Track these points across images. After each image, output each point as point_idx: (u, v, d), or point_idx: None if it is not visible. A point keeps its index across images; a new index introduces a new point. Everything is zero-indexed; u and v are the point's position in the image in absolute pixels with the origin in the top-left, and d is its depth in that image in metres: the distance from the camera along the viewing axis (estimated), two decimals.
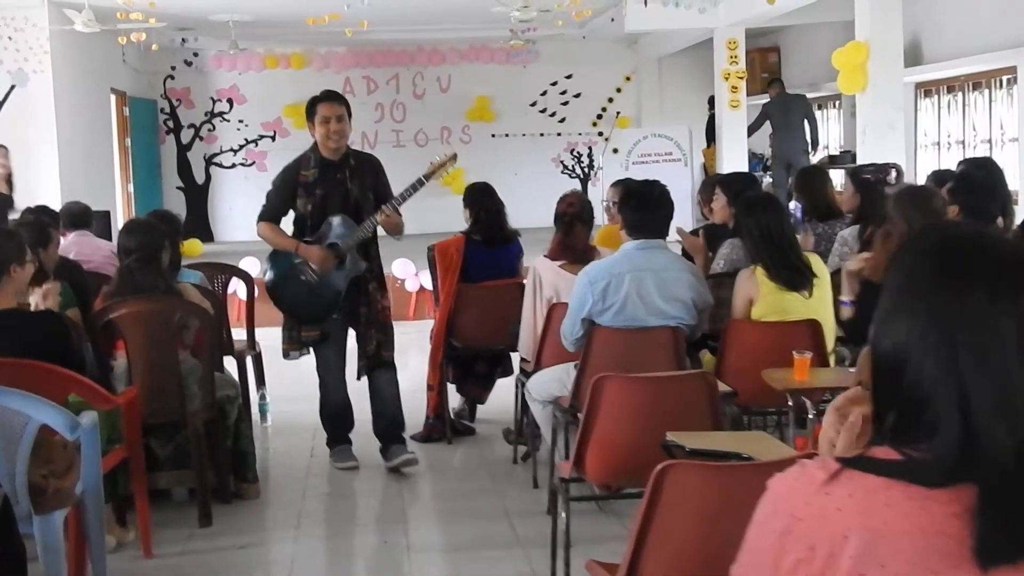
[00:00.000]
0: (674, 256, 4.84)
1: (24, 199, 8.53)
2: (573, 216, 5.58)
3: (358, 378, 5.82)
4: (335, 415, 5.87)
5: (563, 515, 3.95)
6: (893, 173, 5.05)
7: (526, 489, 5.48)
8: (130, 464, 4.58)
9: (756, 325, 4.73)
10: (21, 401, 3.52)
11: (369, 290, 5.66)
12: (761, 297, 4.70)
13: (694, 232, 6.07)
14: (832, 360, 4.74)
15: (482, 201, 6.42)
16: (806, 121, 13.25)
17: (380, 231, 5.68)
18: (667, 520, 2.59)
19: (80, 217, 6.88)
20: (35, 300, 4.40)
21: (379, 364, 5.71)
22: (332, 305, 5.58)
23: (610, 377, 3.71)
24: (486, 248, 6.37)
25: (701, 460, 2.99)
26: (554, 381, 5.02)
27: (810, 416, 4.09)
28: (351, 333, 5.80)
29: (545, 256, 5.56)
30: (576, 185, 16.51)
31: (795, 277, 4.71)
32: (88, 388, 4.10)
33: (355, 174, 5.58)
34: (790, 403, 4.26)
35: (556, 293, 5.33)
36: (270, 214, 5.70)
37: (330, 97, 5.66)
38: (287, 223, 5.81)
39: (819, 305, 4.72)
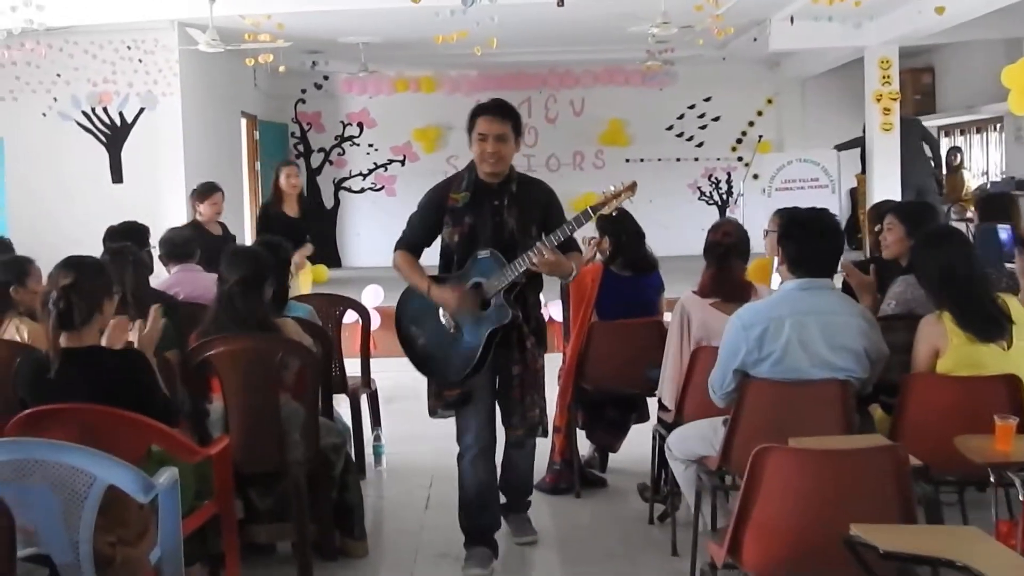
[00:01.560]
0: (842, 298, 4.15)
1: (151, 223, 7.89)
2: (728, 247, 4.92)
3: (506, 449, 4.89)
4: (474, 504, 4.76)
5: None
6: None
7: (664, 556, 4.89)
8: (221, 521, 4.11)
9: (943, 380, 4.00)
10: (85, 458, 3.06)
11: (527, 346, 4.59)
12: (951, 348, 3.97)
13: (860, 266, 5.34)
14: None
15: (623, 225, 5.83)
16: (925, 143, 12.34)
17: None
18: None
19: (183, 248, 6.14)
20: (136, 330, 3.95)
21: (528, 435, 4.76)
22: (467, 363, 4.52)
23: (773, 449, 3.06)
24: (625, 279, 5.79)
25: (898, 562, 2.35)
26: (699, 439, 4.40)
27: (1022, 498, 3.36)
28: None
29: (694, 292, 4.92)
30: (714, 212, 15.80)
31: (990, 325, 3.97)
32: (172, 439, 3.64)
33: (515, 202, 4.58)
34: (991, 479, 3.52)
35: (707, 335, 4.70)
36: (408, 242, 4.73)
37: (492, 110, 4.60)
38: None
39: (1020, 357, 3.97)
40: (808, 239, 3.96)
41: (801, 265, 3.98)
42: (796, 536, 3.05)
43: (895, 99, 12.25)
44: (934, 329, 4.04)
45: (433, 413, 4.73)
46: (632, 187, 4.52)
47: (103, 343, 3.76)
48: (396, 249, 4.74)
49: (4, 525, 2.47)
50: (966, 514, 4.54)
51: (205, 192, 7.78)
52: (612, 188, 4.53)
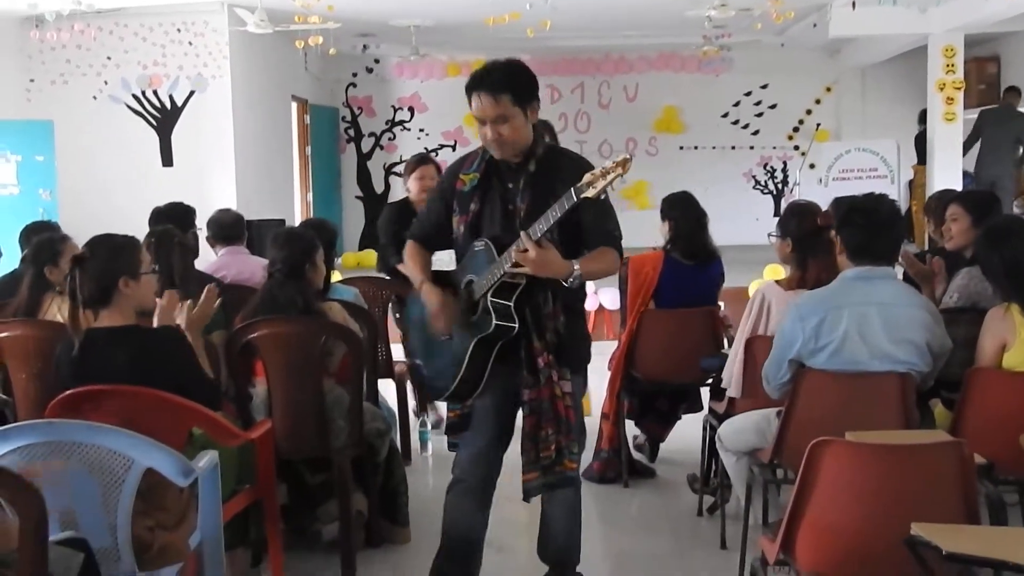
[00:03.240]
0: (904, 288, 4.00)
1: (201, 206, 7.61)
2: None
3: (524, 499, 3.78)
4: (454, 550, 3.96)
5: None
6: None
7: (713, 550, 4.78)
8: (264, 506, 4.05)
9: (1009, 376, 3.83)
10: (122, 441, 3.01)
11: (537, 365, 3.60)
12: (1018, 342, 3.81)
13: (919, 257, 5.16)
14: None
15: (682, 210, 5.69)
16: (1020, 144, 12.02)
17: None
18: None
19: (231, 230, 5.99)
20: (185, 311, 3.86)
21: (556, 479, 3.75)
22: (452, 376, 3.70)
23: (831, 442, 2.94)
24: (687, 268, 5.62)
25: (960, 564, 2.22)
26: (751, 431, 4.28)
27: None
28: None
29: (777, 282, 4.66)
30: (769, 202, 15.59)
31: None
32: (212, 422, 3.57)
33: (532, 183, 3.65)
34: None
35: None
36: (417, 229, 3.98)
37: (483, 84, 3.64)
38: None
39: None
40: (867, 226, 3.82)
41: (861, 253, 3.84)
42: (853, 534, 2.92)
43: (959, 88, 11.98)
44: (1001, 323, 3.87)
45: (451, 447, 3.94)
46: (623, 163, 3.30)
47: (155, 323, 3.69)
48: (408, 237, 4.00)
49: (36, 512, 2.41)
50: None
51: (412, 165, 6.53)
52: (608, 163, 3.33)
